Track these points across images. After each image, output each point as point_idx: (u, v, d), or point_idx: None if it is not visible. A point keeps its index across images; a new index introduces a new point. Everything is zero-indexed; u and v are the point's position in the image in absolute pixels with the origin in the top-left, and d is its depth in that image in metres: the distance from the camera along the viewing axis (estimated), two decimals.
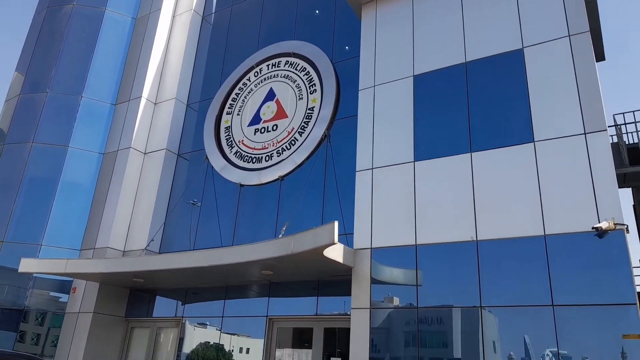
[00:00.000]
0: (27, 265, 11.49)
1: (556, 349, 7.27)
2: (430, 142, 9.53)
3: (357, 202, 9.82)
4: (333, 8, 13.27)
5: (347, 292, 9.31)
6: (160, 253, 12.97)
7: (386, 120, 10.21)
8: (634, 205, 12.87)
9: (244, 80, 14.17)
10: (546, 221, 7.90)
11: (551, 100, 8.60)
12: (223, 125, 13.91)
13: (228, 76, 14.52)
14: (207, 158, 13.50)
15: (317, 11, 13.79)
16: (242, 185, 12.56)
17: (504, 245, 8.12)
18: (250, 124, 13.32)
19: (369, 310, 8.85)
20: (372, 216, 9.52)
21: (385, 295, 8.94)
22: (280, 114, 12.91)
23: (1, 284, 12.86)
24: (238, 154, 13.10)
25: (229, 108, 14.06)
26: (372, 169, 9.93)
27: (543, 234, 7.85)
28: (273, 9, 14.79)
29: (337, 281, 9.95)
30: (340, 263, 8.86)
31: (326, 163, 11.41)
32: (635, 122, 11.24)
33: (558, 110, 8.46)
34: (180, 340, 11.88)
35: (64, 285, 12.99)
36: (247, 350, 11.10)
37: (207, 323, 11.79)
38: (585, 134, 8.08)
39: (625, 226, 7.34)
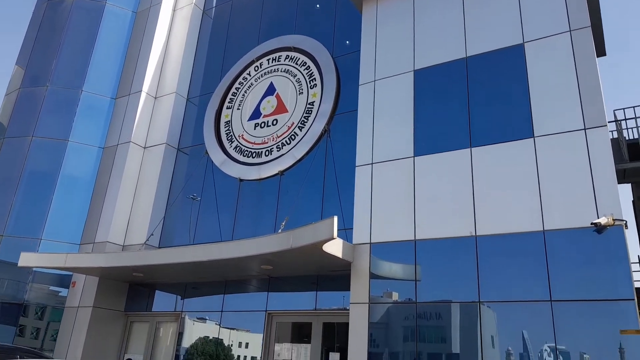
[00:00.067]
0: (26, 259, 11.51)
1: (554, 344, 7.28)
2: (430, 137, 9.52)
3: (356, 197, 9.82)
4: (334, 2, 13.23)
5: (346, 287, 9.33)
6: (159, 247, 12.99)
7: (386, 115, 10.19)
8: (633, 201, 12.86)
9: (244, 74, 14.14)
10: (545, 217, 7.90)
11: (551, 96, 8.57)
12: (223, 119, 13.90)
13: (228, 70, 14.50)
14: (206, 153, 13.49)
15: (317, 5, 13.75)
16: (241, 180, 12.56)
17: (503, 241, 8.13)
18: (250, 119, 13.30)
19: (367, 305, 8.87)
20: (371, 211, 9.52)
21: (384, 290, 8.95)
22: (281, 108, 12.89)
23: (1, 278, 12.89)
24: (238, 148, 13.10)
25: (229, 102, 14.04)
26: (371, 164, 9.92)
27: (542, 229, 7.85)
28: (274, 3, 14.75)
29: (336, 276, 9.96)
30: (339, 258, 8.87)
31: (326, 158, 11.40)
32: (635, 118, 11.19)
33: (558, 106, 8.44)
34: (180, 335, 11.92)
35: (64, 280, 13.02)
36: (247, 345, 11.13)
37: (207, 318, 11.82)
38: (585, 129, 8.06)
39: (624, 222, 7.34)
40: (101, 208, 13.48)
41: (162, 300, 12.74)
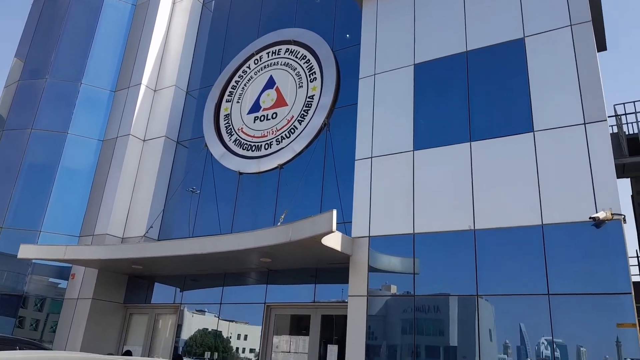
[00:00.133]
0: (26, 251, 11.53)
1: (551, 338, 7.32)
2: (430, 131, 9.52)
3: (355, 191, 9.83)
4: None
5: (344, 279, 9.36)
6: (159, 240, 13.01)
7: (386, 108, 10.19)
8: (632, 196, 12.88)
9: (244, 67, 14.11)
10: (544, 211, 7.91)
11: (551, 90, 8.57)
12: (222, 112, 13.88)
13: (228, 63, 14.47)
14: (206, 146, 13.49)
15: None
16: (241, 173, 12.56)
17: (502, 235, 8.15)
18: (250, 112, 13.29)
19: (366, 297, 8.90)
20: (370, 205, 9.53)
21: (383, 283, 8.98)
22: (280, 102, 12.87)
23: (0, 270, 12.92)
24: (237, 141, 13.09)
25: (228, 96, 14.02)
26: (371, 157, 9.93)
27: (541, 223, 7.87)
28: None
29: (334, 269, 9.99)
30: (338, 251, 8.89)
31: (325, 152, 11.40)
32: (635, 113, 11.19)
33: (558, 100, 8.44)
34: (179, 327, 11.96)
35: (63, 271, 13.05)
36: (245, 337, 11.18)
37: (206, 310, 11.86)
38: (585, 124, 8.06)
39: (623, 216, 7.36)
40: (100, 200, 13.49)
41: (161, 293, 12.77)
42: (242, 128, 13.22)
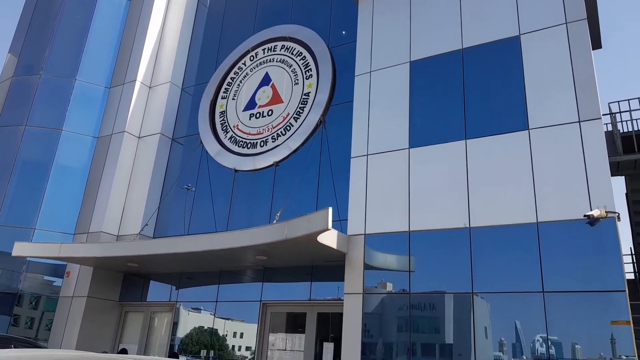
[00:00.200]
0: (20, 249, 11.48)
1: (546, 335, 7.36)
2: (425, 129, 9.52)
3: (351, 189, 9.83)
4: None
5: (340, 277, 9.37)
6: (154, 238, 12.97)
7: (382, 106, 10.18)
8: (626, 194, 12.95)
9: (240, 64, 14.06)
10: (539, 208, 7.94)
11: (547, 88, 8.59)
12: (218, 109, 13.83)
13: (223, 60, 14.41)
14: (201, 143, 13.45)
15: None
16: (236, 171, 12.53)
17: (497, 232, 8.17)
18: (246, 109, 13.25)
19: (361, 295, 8.92)
20: (366, 202, 9.53)
21: (378, 281, 9.00)
22: (276, 99, 12.84)
23: None
24: (233, 139, 13.05)
25: (224, 92, 13.97)
26: (367, 155, 9.93)
27: (535, 221, 7.90)
28: None
29: (330, 267, 10.00)
30: (333, 249, 8.90)
31: (321, 149, 11.39)
32: (630, 111, 11.25)
33: (553, 98, 8.46)
34: (175, 325, 11.95)
35: (58, 269, 13.00)
36: (241, 335, 11.18)
37: (201, 308, 11.85)
38: (579, 122, 8.09)
39: (617, 214, 7.39)
40: (95, 198, 13.43)
41: (157, 290, 12.75)
42: (237, 125, 13.18)
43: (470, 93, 9.32)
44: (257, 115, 12.92)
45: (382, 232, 9.16)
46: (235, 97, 13.62)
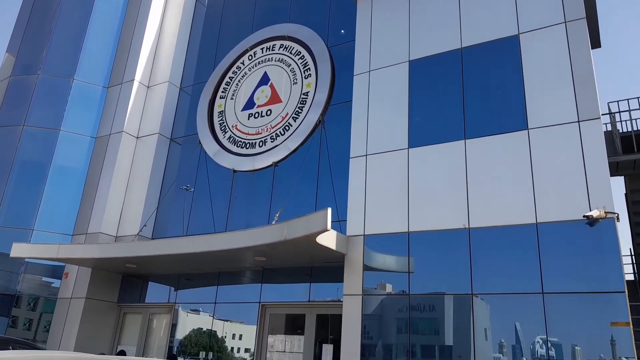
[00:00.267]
0: (18, 250, 11.44)
1: (546, 336, 7.34)
2: (424, 129, 9.50)
3: (350, 189, 9.81)
4: None
5: (339, 278, 9.35)
6: (153, 239, 12.94)
7: (381, 106, 10.15)
8: (625, 194, 12.93)
9: (238, 63, 14.02)
10: (538, 209, 7.92)
11: (546, 88, 8.57)
12: (216, 109, 13.79)
13: (222, 59, 14.36)
14: (200, 143, 13.41)
15: None
16: (235, 171, 12.50)
17: (496, 233, 8.16)
18: (244, 109, 13.21)
19: (361, 296, 8.90)
20: (365, 203, 9.51)
21: (378, 282, 8.98)
22: (275, 98, 12.80)
23: None
24: (231, 139, 13.02)
25: (222, 92, 13.93)
26: (366, 155, 9.90)
27: (535, 222, 7.88)
28: None
29: (329, 268, 9.98)
30: (333, 250, 8.87)
31: (320, 149, 11.36)
32: (629, 111, 11.22)
33: (552, 98, 8.43)
34: (173, 326, 11.93)
35: (56, 271, 12.96)
36: (240, 337, 11.16)
37: (200, 309, 11.82)
38: (579, 121, 8.07)
39: (616, 215, 7.37)
40: (94, 198, 13.39)
41: (156, 292, 12.72)
42: (236, 125, 13.14)
43: (470, 93, 9.29)
44: (256, 115, 12.89)
45: (382, 233, 9.14)
46: (234, 97, 13.58)
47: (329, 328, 10.00)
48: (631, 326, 6.87)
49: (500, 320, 7.80)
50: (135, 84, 14.59)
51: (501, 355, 7.65)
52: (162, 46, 15.42)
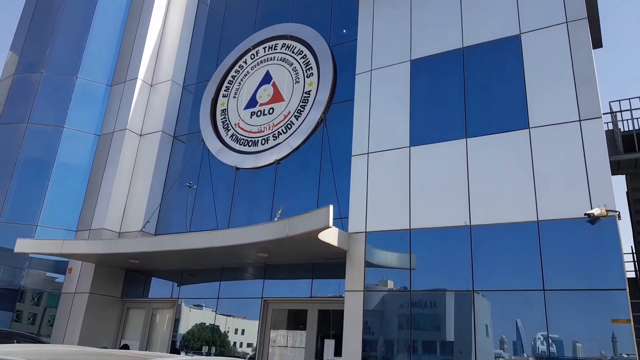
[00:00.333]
0: (23, 245, 11.52)
1: (547, 333, 7.39)
2: (426, 128, 9.55)
3: (352, 187, 9.87)
4: None
5: (341, 274, 9.41)
6: (156, 235, 13.02)
7: (383, 104, 10.21)
8: (627, 192, 12.98)
9: (241, 62, 14.08)
10: (539, 207, 7.97)
11: (547, 87, 8.61)
12: (219, 107, 13.86)
13: (224, 58, 14.43)
14: (202, 141, 13.48)
15: None
16: (238, 169, 12.57)
17: (497, 231, 8.20)
18: (247, 107, 13.28)
19: (362, 292, 8.96)
20: (367, 200, 9.57)
21: (379, 279, 9.03)
22: (277, 97, 12.86)
23: None
24: (234, 137, 13.09)
25: (225, 90, 14.00)
26: (367, 153, 9.96)
27: (536, 219, 7.93)
28: None
29: (331, 264, 10.04)
30: (334, 246, 8.93)
31: (322, 147, 11.42)
32: (630, 110, 11.28)
33: (554, 97, 8.48)
34: (176, 321, 12.00)
35: (60, 266, 13.04)
36: (242, 332, 11.23)
37: (203, 304, 11.89)
38: (580, 121, 8.11)
39: (617, 213, 7.42)
40: (97, 195, 13.47)
41: (159, 287, 12.79)
42: (238, 123, 13.21)
43: (471, 92, 9.34)
44: (258, 113, 12.95)
45: (383, 230, 9.19)
46: (236, 96, 13.65)
47: (330, 323, 10.07)
48: (632, 323, 6.91)
49: (501, 316, 7.85)
50: (139, 82, 14.66)
51: (502, 351, 7.70)
52: (165, 45, 15.49)
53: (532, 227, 7.93)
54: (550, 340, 7.35)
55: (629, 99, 11.32)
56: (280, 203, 11.14)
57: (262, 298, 10.89)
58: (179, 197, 13.42)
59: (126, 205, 13.57)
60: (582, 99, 8.19)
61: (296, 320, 10.65)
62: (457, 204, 8.65)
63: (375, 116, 10.18)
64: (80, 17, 15.29)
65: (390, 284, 8.90)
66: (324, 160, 11.25)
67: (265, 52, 13.71)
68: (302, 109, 12.16)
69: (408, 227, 8.95)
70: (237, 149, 12.84)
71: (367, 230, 9.32)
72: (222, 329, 11.32)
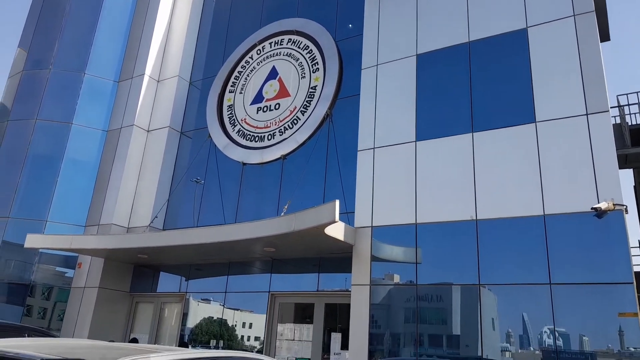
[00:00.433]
0: (32, 240, 11.65)
1: (553, 327, 7.40)
2: (432, 122, 9.54)
3: (358, 181, 9.89)
4: None
5: (347, 269, 9.45)
6: (164, 230, 13.12)
7: (389, 99, 10.21)
8: (634, 186, 12.92)
9: (247, 58, 14.11)
10: (546, 201, 7.96)
11: (554, 81, 8.57)
12: (226, 103, 13.91)
13: (231, 54, 14.46)
14: (209, 136, 13.54)
15: None
16: (244, 164, 12.63)
17: (504, 225, 8.21)
18: (253, 103, 13.32)
19: (369, 286, 9.00)
20: (373, 195, 9.59)
21: (386, 273, 9.07)
22: (283, 92, 12.89)
23: (8, 259, 13.06)
24: (240, 132, 13.14)
25: (231, 86, 14.04)
26: (373, 148, 9.97)
27: (542, 213, 7.92)
28: None
29: (338, 258, 10.08)
30: (341, 241, 8.97)
31: (328, 142, 11.44)
32: (638, 104, 11.21)
33: (561, 91, 8.44)
34: (184, 315, 12.11)
35: (70, 261, 13.18)
36: (250, 325, 11.32)
37: (211, 298, 11.99)
38: (587, 114, 8.08)
39: (625, 207, 7.40)
40: (105, 190, 13.58)
41: (167, 281, 12.91)
42: (245, 119, 13.25)
43: (477, 86, 9.32)
44: (265, 108, 12.99)
45: (389, 225, 9.22)
46: (243, 91, 13.69)
47: (337, 317, 10.12)
48: (639, 317, 6.91)
49: (507, 310, 7.87)
50: (146, 78, 14.73)
51: (508, 345, 7.73)
52: (171, 41, 15.54)
53: (538, 221, 7.93)
54: (556, 334, 7.36)
55: (637, 92, 11.26)
56: (287, 198, 11.19)
57: (269, 292, 10.96)
58: (186, 193, 13.51)
59: (134, 201, 13.68)
60: (589, 93, 8.15)
61: (303, 314, 10.72)
62: (464, 198, 8.65)
63: (381, 111, 10.19)
64: (87, 13, 15.37)
65: (397, 278, 8.94)
66: (330, 156, 11.28)
67: (271, 47, 13.73)
68: (308, 104, 12.18)
69: (414, 222, 8.97)
70: (244, 144, 12.89)
71: (374, 225, 9.35)
72: (230, 323, 11.41)
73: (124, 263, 13.06)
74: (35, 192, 13.42)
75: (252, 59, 13.96)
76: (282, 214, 10.36)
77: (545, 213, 7.91)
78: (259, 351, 10.73)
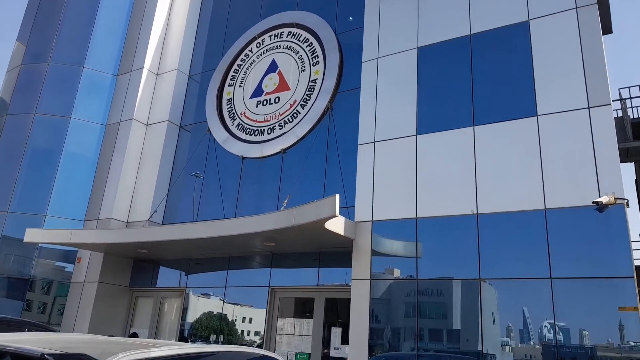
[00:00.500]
0: (32, 235, 11.63)
1: (554, 321, 7.39)
2: (433, 116, 9.50)
3: (358, 176, 9.86)
4: None
5: (348, 263, 9.44)
6: (163, 224, 13.10)
7: (389, 92, 10.15)
8: (636, 180, 12.88)
9: (246, 51, 14.03)
10: (547, 195, 7.93)
11: (555, 74, 8.52)
12: (225, 97, 13.84)
13: (230, 47, 14.37)
14: (209, 130, 13.48)
15: None
16: (244, 158, 12.58)
17: (504, 219, 8.18)
18: (253, 96, 13.25)
19: (369, 281, 8.98)
20: (373, 189, 9.56)
21: (386, 267, 9.06)
22: (283, 86, 12.82)
23: (7, 254, 13.05)
24: (240, 126, 13.08)
25: (231, 79, 13.97)
26: (374, 142, 9.93)
27: (543, 207, 7.90)
28: None
29: (338, 252, 10.06)
30: (341, 235, 8.95)
31: (328, 136, 11.39)
32: None
33: (562, 84, 8.39)
34: (184, 310, 12.11)
35: (69, 255, 13.17)
36: (250, 320, 11.32)
37: (210, 293, 11.99)
38: (589, 108, 8.03)
39: (626, 200, 7.37)
40: (105, 185, 13.55)
41: (167, 276, 12.90)
42: (244, 112, 13.19)
43: (478, 79, 9.27)
44: (264, 102, 12.93)
45: (390, 219, 9.19)
46: (242, 85, 13.62)
47: (337, 312, 10.12)
48: (639, 311, 6.90)
49: (508, 304, 7.86)
50: (145, 72, 14.66)
51: (509, 339, 7.72)
52: (170, 34, 15.45)
53: (539, 215, 7.90)
54: (557, 328, 7.36)
55: (639, 85, 11.20)
56: (287, 192, 11.15)
57: (269, 286, 10.95)
58: (185, 187, 13.47)
59: (133, 195, 13.64)
60: (591, 86, 8.10)
61: (303, 309, 10.71)
62: (464, 192, 8.62)
63: (382, 104, 10.13)
64: (85, 7, 15.27)
65: (397, 273, 8.92)
66: (330, 149, 11.23)
67: (271, 40, 13.65)
68: (308, 98, 12.12)
69: (415, 216, 8.94)
70: (243, 138, 12.84)
71: (374, 219, 9.32)
72: (230, 318, 11.41)
73: (123, 257, 13.05)
74: (34, 186, 13.38)
75: (252, 52, 13.88)
76: (282, 208, 10.33)
77: (546, 207, 7.88)
78: (259, 346, 10.73)
